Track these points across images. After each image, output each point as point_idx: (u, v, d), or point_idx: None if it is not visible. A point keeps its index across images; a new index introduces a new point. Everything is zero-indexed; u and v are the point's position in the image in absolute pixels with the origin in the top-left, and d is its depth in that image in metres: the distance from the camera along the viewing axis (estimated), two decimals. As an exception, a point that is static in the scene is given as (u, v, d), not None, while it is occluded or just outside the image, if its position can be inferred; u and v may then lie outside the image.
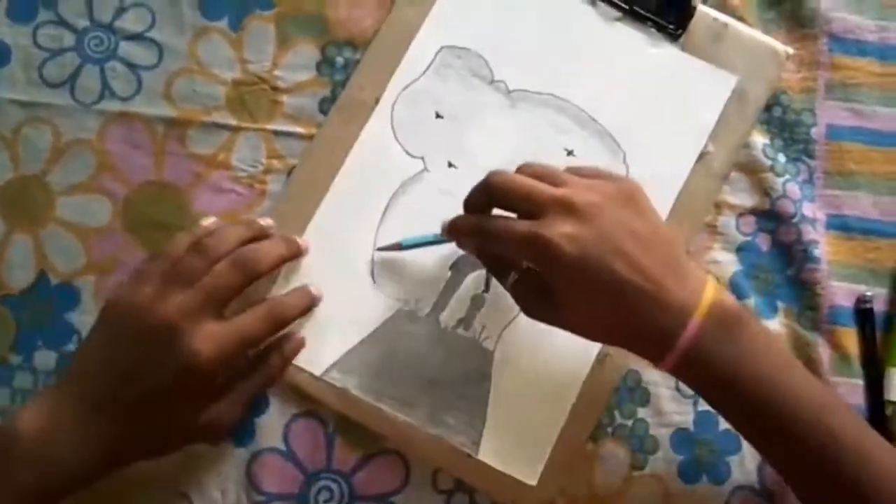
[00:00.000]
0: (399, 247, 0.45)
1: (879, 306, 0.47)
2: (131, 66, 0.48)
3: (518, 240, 0.37)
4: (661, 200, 0.46)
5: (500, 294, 0.44)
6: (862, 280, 0.47)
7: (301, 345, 0.44)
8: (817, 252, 0.46)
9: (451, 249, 0.44)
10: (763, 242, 0.47)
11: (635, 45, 0.48)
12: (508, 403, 0.44)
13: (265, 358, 0.43)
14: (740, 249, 0.47)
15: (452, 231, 0.41)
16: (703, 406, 0.45)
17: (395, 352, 0.45)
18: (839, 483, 0.36)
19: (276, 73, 0.48)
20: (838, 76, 0.49)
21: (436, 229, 0.43)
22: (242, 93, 0.47)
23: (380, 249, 0.45)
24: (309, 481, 0.44)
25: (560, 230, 0.36)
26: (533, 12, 0.48)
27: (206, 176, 0.47)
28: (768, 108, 0.48)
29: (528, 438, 0.44)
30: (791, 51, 0.48)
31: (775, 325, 0.46)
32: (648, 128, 0.47)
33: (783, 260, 0.47)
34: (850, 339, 0.46)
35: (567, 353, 0.45)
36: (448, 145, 0.47)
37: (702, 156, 0.47)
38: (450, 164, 0.47)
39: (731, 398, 0.37)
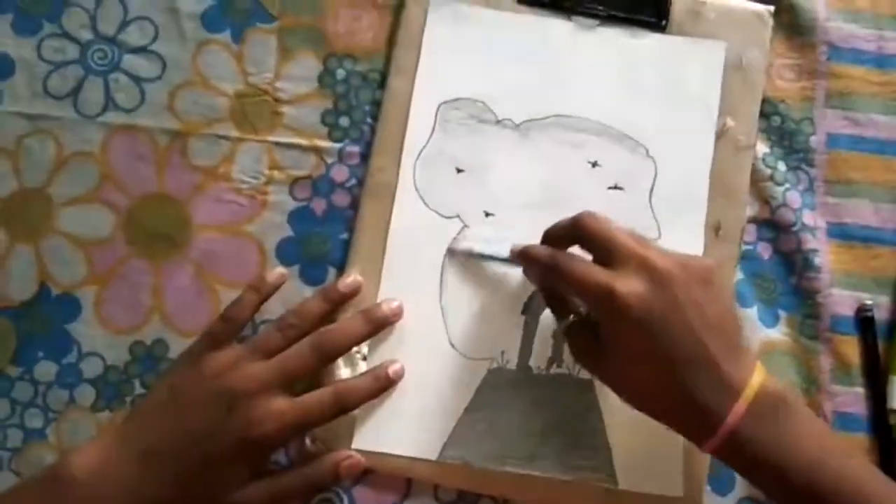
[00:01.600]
0: (470, 253, 0.45)
1: (882, 314, 0.47)
2: (135, 79, 0.48)
3: (590, 285, 0.37)
4: (697, 183, 0.46)
5: None
6: (864, 288, 0.47)
7: (359, 467, 0.43)
8: (818, 260, 0.46)
9: (515, 296, 0.45)
10: (764, 251, 0.47)
11: (620, 42, 0.48)
12: (624, 424, 0.44)
13: (317, 458, 0.43)
14: (741, 258, 0.47)
15: (525, 257, 0.41)
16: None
17: (501, 411, 0.44)
18: None
19: (278, 84, 0.48)
20: (837, 85, 0.49)
21: (497, 281, 0.44)
22: (244, 104, 0.48)
23: (451, 250, 0.45)
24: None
25: (632, 287, 0.36)
26: (512, 44, 0.48)
27: (207, 187, 0.47)
28: (767, 116, 0.48)
29: (657, 452, 0.43)
30: (772, 8, 0.48)
31: (777, 334, 0.46)
32: (658, 117, 0.47)
33: (784, 269, 0.47)
34: (852, 347, 0.46)
35: None
36: (478, 196, 0.47)
37: (724, 132, 0.47)
38: (486, 214, 0.46)
39: (776, 484, 0.36)
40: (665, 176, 0.47)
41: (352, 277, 0.45)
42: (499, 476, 0.43)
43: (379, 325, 0.44)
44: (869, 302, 0.46)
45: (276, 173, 0.47)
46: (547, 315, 0.45)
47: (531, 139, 0.47)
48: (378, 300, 0.45)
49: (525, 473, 0.43)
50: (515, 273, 0.45)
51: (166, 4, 0.49)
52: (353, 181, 0.47)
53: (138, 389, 0.45)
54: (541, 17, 0.48)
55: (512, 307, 0.45)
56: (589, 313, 0.40)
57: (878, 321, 0.46)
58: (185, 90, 0.48)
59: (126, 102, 0.48)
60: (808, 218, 0.47)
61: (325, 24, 0.49)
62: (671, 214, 0.46)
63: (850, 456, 0.36)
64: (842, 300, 0.47)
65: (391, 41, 0.49)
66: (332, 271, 0.46)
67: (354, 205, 0.47)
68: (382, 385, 0.43)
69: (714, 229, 0.46)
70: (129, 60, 0.48)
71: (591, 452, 0.43)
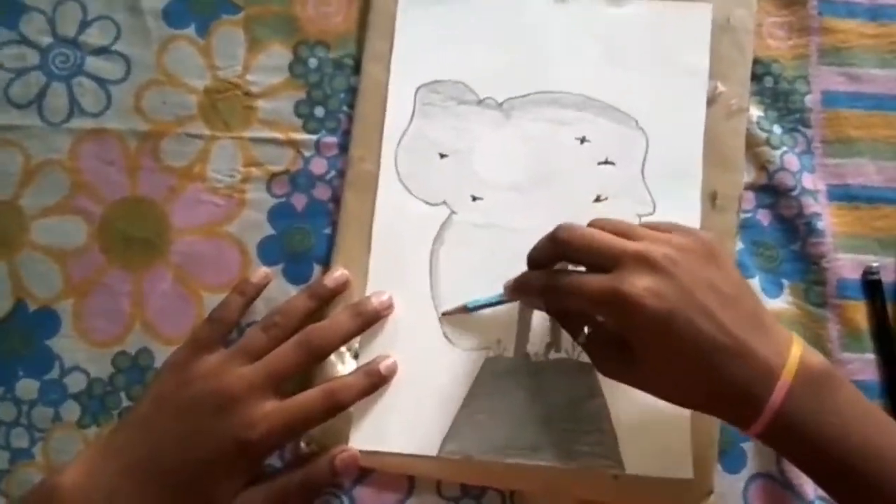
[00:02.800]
0: (465, 309, 0.43)
1: (889, 276, 0.45)
2: (99, 81, 0.46)
3: (594, 296, 0.35)
4: (691, 152, 0.45)
5: None
6: (870, 251, 0.45)
7: (354, 461, 0.41)
8: (821, 225, 0.45)
9: (509, 277, 0.42)
10: (764, 218, 0.46)
11: (598, 11, 0.47)
12: (629, 408, 0.42)
13: (313, 458, 0.41)
14: (741, 227, 0.45)
15: (519, 290, 0.40)
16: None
17: (500, 402, 0.43)
18: None
19: (248, 77, 0.46)
20: (830, 40, 0.47)
21: (489, 267, 0.42)
22: (215, 101, 0.46)
23: (445, 314, 0.43)
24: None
25: (637, 283, 0.34)
26: (489, 22, 0.46)
27: (182, 189, 0.45)
28: (759, 78, 0.47)
29: (665, 435, 0.42)
30: None
31: (782, 303, 0.45)
32: (647, 86, 0.46)
33: (786, 235, 0.45)
34: (861, 312, 0.44)
35: None
36: (464, 180, 0.45)
37: (715, 97, 0.45)
38: (474, 198, 0.45)
39: (825, 464, 0.34)
40: (657, 147, 0.45)
41: (339, 272, 0.43)
42: (502, 468, 0.42)
43: (369, 320, 0.42)
44: (875, 264, 0.45)
45: (252, 170, 0.46)
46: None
47: (515, 118, 0.46)
48: (367, 294, 0.43)
49: (529, 464, 0.42)
50: (508, 257, 0.43)
51: (127, 2, 0.47)
52: (333, 173, 0.46)
53: (125, 402, 0.44)
54: None
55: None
56: (602, 322, 0.38)
57: (886, 283, 0.45)
58: (152, 90, 0.46)
59: (92, 106, 0.46)
60: (807, 181, 0.45)
61: (293, 10, 0.47)
62: (665, 187, 0.45)
63: (894, 432, 0.35)
64: (847, 264, 0.45)
65: (362, 25, 0.47)
66: (316, 268, 0.45)
67: (336, 198, 0.45)
68: (375, 381, 0.42)
69: (710, 199, 0.45)
70: (92, 62, 0.47)
71: (596, 438, 0.42)
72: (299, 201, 0.45)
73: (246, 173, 0.46)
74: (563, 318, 0.40)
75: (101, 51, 0.47)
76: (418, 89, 0.46)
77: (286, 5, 0.47)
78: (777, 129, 0.46)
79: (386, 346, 0.43)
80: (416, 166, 0.45)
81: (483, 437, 0.42)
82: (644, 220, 0.44)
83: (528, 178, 0.45)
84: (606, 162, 0.45)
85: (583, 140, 0.45)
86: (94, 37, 0.47)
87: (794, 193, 0.45)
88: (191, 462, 0.38)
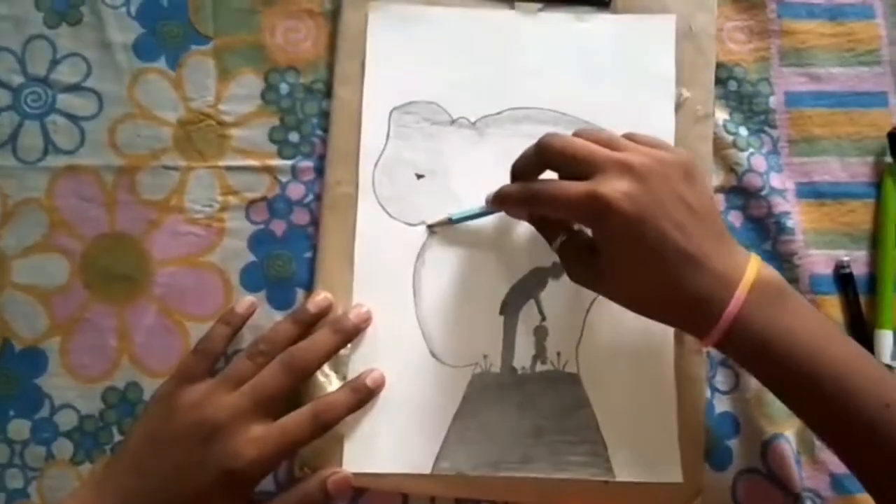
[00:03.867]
0: (449, 221, 0.44)
1: (860, 269, 0.46)
2: (72, 118, 0.46)
3: (574, 199, 0.37)
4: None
5: (560, 316, 0.44)
6: (840, 245, 0.46)
7: (347, 482, 0.41)
8: (791, 223, 0.46)
9: (492, 297, 0.44)
10: (735, 219, 0.46)
11: (566, 27, 0.47)
12: (617, 416, 0.43)
13: (305, 480, 0.42)
14: (713, 229, 0.46)
15: (500, 201, 0.41)
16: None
17: (490, 416, 0.43)
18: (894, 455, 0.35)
19: (221, 107, 0.47)
20: (790, 42, 0.48)
21: (471, 284, 0.43)
22: (189, 132, 0.46)
23: (430, 226, 0.44)
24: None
25: (615, 186, 0.36)
26: (458, 41, 0.47)
27: (161, 221, 0.46)
28: (723, 82, 0.47)
29: (653, 441, 0.43)
30: None
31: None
32: (616, 98, 0.46)
33: (758, 235, 0.46)
34: (835, 306, 0.45)
35: (646, 341, 0.44)
36: (441, 200, 0.45)
37: (681, 104, 0.46)
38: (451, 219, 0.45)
39: (778, 370, 0.36)
40: None
41: (321, 296, 0.44)
42: (495, 482, 0.42)
43: (348, 335, 0.43)
44: (846, 258, 0.46)
45: (230, 198, 0.46)
46: (526, 313, 0.44)
47: (489, 136, 0.46)
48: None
49: (521, 476, 0.42)
50: (490, 273, 0.44)
51: (96, 38, 0.47)
52: (311, 197, 0.46)
53: (117, 437, 0.44)
54: (483, 8, 0.47)
55: (489, 309, 0.44)
56: (579, 229, 0.40)
57: (857, 276, 0.46)
58: (126, 124, 0.46)
59: (66, 144, 0.46)
60: (775, 181, 0.46)
61: (262, 38, 0.47)
62: None
63: (848, 342, 0.37)
64: (818, 260, 0.46)
65: (332, 48, 0.47)
66: (299, 293, 0.45)
67: (315, 222, 0.46)
68: (362, 397, 0.42)
69: None
70: (65, 100, 0.47)
71: (586, 448, 0.43)
72: (278, 227, 0.46)
73: (224, 202, 0.46)
74: (541, 226, 0.41)
75: (73, 88, 0.47)
76: (392, 111, 0.46)
77: (255, 34, 0.47)
78: (743, 131, 0.47)
79: (373, 365, 0.43)
80: (394, 188, 0.45)
81: (475, 453, 0.42)
82: None
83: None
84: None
85: None
86: (64, 74, 0.47)
87: (763, 193, 0.46)
88: (182, 495, 0.38)
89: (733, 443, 0.44)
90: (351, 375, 0.43)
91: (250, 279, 0.45)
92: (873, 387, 0.35)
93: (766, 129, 0.47)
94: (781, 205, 0.46)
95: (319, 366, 0.42)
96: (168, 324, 0.45)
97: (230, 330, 0.43)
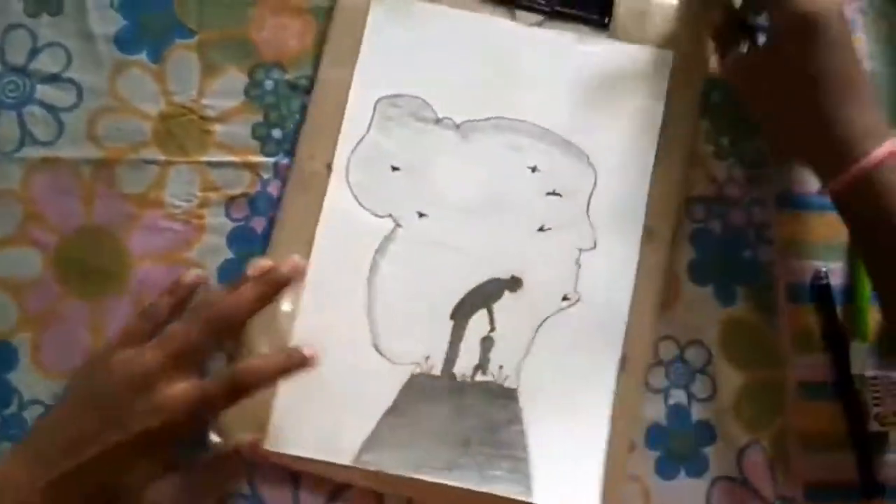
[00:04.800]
0: None
1: (837, 280, 0.46)
2: (50, 109, 0.46)
3: None
4: (636, 193, 0.45)
5: (510, 329, 0.44)
6: (817, 255, 0.47)
7: (262, 452, 0.41)
8: (769, 232, 0.46)
9: (446, 299, 0.44)
10: (715, 228, 0.47)
11: (565, 47, 0.47)
12: (546, 437, 0.43)
13: (230, 455, 0.41)
14: (693, 237, 0.46)
15: None
16: (674, 399, 0.45)
17: (421, 418, 0.43)
18: None
19: (204, 102, 0.46)
20: (772, 54, 0.49)
21: (428, 284, 0.43)
22: (170, 126, 0.46)
23: None
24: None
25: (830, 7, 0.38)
26: (456, 43, 0.47)
27: (139, 216, 0.45)
28: (706, 93, 0.48)
29: (578, 468, 0.43)
30: None
31: (735, 310, 0.46)
32: (602, 125, 0.46)
33: (737, 243, 0.46)
34: (812, 316, 0.46)
35: (590, 368, 0.44)
36: (413, 196, 0.45)
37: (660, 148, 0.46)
38: (420, 215, 0.45)
39: (888, 239, 0.38)
40: (604, 185, 0.46)
41: (263, 261, 0.41)
42: (414, 482, 0.42)
43: (276, 285, 0.40)
44: (823, 269, 0.46)
45: (210, 194, 0.45)
46: (477, 321, 0.44)
47: (471, 140, 0.46)
48: (302, 299, 0.43)
49: (441, 483, 0.42)
50: (448, 275, 0.44)
51: (77, 28, 0.46)
52: (293, 195, 0.46)
53: (87, 433, 0.43)
54: (486, 14, 0.47)
55: (440, 311, 0.44)
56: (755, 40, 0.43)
57: (834, 287, 0.46)
58: (106, 116, 0.46)
59: (44, 135, 0.45)
60: (755, 190, 0.47)
61: (248, 34, 0.47)
62: (609, 222, 0.45)
63: None
64: (796, 270, 0.46)
65: (318, 45, 0.47)
66: (278, 291, 0.45)
67: (296, 220, 0.45)
68: (292, 364, 0.39)
69: (647, 233, 0.45)
70: (43, 90, 0.46)
71: (511, 463, 0.43)
72: (259, 224, 0.45)
73: (204, 198, 0.45)
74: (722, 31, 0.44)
75: (52, 78, 0.46)
76: (378, 100, 0.46)
77: (241, 28, 0.47)
78: (724, 141, 0.47)
79: (315, 346, 0.41)
80: (368, 176, 0.45)
81: (400, 451, 0.42)
82: (584, 253, 0.45)
83: (477, 200, 0.45)
84: (554, 193, 0.46)
85: (534, 169, 0.46)
86: (44, 64, 0.46)
87: (744, 203, 0.46)
88: (103, 452, 0.37)
89: (709, 450, 0.44)
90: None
91: (229, 276, 0.45)
92: None
93: (747, 139, 0.48)
94: (760, 214, 0.46)
95: (243, 319, 0.40)
96: (143, 320, 0.44)
97: (174, 299, 0.42)
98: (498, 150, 0.46)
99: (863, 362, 0.45)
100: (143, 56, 0.46)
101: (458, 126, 0.46)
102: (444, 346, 0.44)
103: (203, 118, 0.46)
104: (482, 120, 0.46)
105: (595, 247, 0.45)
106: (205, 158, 0.46)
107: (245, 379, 0.39)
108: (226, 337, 0.41)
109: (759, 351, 0.46)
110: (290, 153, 0.46)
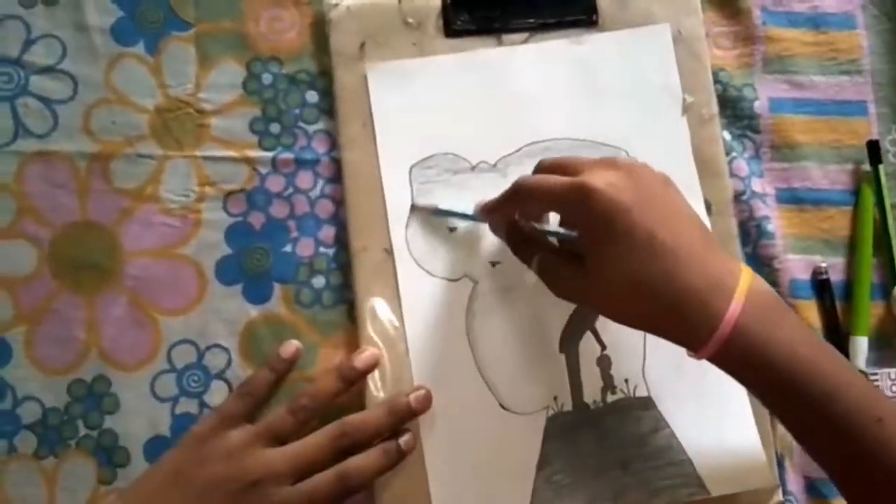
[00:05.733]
0: (436, 210, 0.43)
1: (838, 276, 0.46)
2: (45, 102, 0.45)
3: (559, 189, 0.36)
4: (683, 168, 0.45)
5: (619, 341, 0.43)
6: (818, 251, 0.47)
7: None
8: (770, 227, 0.46)
9: (548, 336, 0.43)
10: (716, 223, 0.47)
11: (562, 52, 0.46)
12: (697, 431, 0.42)
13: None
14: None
15: (487, 209, 0.41)
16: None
17: (573, 458, 0.42)
18: (889, 474, 0.34)
19: (201, 95, 0.46)
20: (774, 48, 0.48)
21: (525, 327, 0.43)
22: (166, 119, 0.45)
23: (414, 206, 0.44)
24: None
25: (603, 178, 0.35)
26: (460, 87, 0.46)
27: (135, 211, 0.44)
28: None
29: (737, 448, 0.42)
30: None
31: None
32: (627, 115, 0.46)
33: (739, 238, 0.46)
34: (812, 311, 0.46)
35: None
36: (478, 249, 0.44)
37: (686, 108, 0.46)
38: (493, 264, 0.44)
39: (774, 384, 0.35)
40: None
41: (368, 352, 0.42)
42: None
43: (403, 418, 0.41)
44: (823, 264, 0.46)
45: (207, 189, 0.45)
46: (585, 345, 0.43)
47: (510, 174, 0.45)
48: (414, 383, 0.42)
49: None
50: (541, 312, 0.43)
51: (73, 19, 0.46)
52: (291, 190, 0.45)
53: (83, 431, 0.43)
54: (475, 49, 0.46)
55: (548, 349, 0.43)
56: (558, 245, 0.39)
57: (834, 282, 0.46)
58: (101, 109, 0.45)
59: (38, 128, 0.45)
60: (756, 185, 0.47)
61: (245, 26, 0.46)
62: None
63: (837, 356, 0.36)
64: (797, 265, 0.46)
65: (317, 38, 0.46)
66: (276, 287, 0.44)
67: (294, 215, 0.45)
68: (392, 459, 0.40)
69: (706, 208, 0.45)
70: (38, 82, 0.45)
71: (674, 470, 0.42)
72: (257, 220, 0.45)
73: (201, 193, 0.45)
74: (517, 248, 0.41)
75: (47, 70, 0.45)
76: (411, 169, 0.45)
77: (238, 22, 0.46)
78: (726, 135, 0.47)
79: (446, 427, 0.42)
80: (429, 247, 0.44)
81: (566, 497, 0.42)
82: None
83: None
84: None
85: None
86: (38, 56, 0.45)
87: (745, 197, 0.46)
88: None
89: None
90: (424, 433, 0.42)
91: (226, 272, 0.44)
92: (865, 402, 0.34)
93: (750, 133, 0.48)
94: (762, 209, 0.46)
95: (368, 443, 0.40)
96: (139, 317, 0.43)
97: (274, 376, 0.42)
98: None
99: (862, 357, 0.45)
100: (139, 48, 0.46)
101: (494, 166, 0.45)
102: (566, 381, 0.43)
103: (200, 112, 0.45)
104: (515, 152, 0.45)
105: None
106: (202, 153, 0.45)
107: (353, 478, 0.39)
108: (348, 455, 0.40)
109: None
110: (290, 147, 0.46)
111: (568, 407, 0.43)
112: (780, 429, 0.43)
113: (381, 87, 0.45)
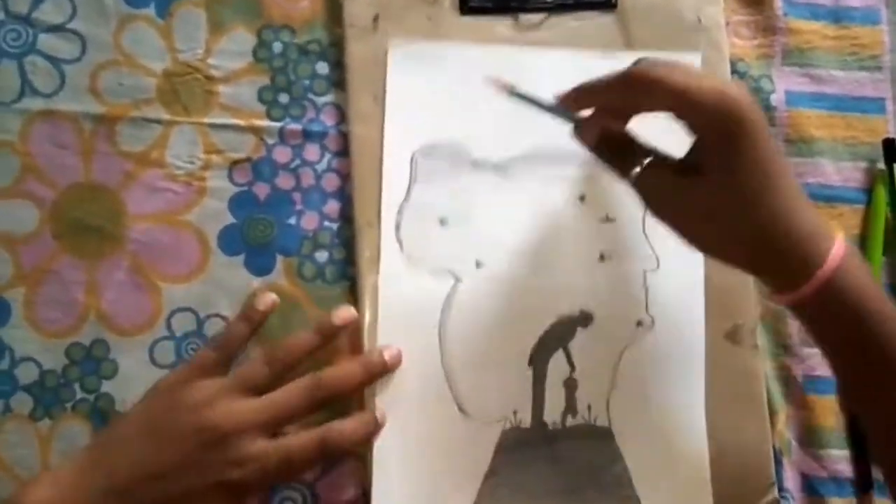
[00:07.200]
0: (512, 91, 0.39)
1: (845, 274, 0.46)
2: (53, 61, 0.44)
3: (696, 88, 0.32)
4: None
5: (590, 366, 0.43)
6: (827, 249, 0.46)
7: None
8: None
9: (520, 348, 0.42)
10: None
11: (592, 63, 0.43)
12: (650, 469, 0.42)
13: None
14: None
15: (578, 99, 0.37)
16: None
17: (522, 474, 0.41)
18: None
19: (210, 61, 0.45)
20: (794, 41, 0.48)
21: (498, 335, 0.42)
22: (174, 84, 0.45)
23: (513, 91, 0.39)
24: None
25: (744, 93, 0.33)
26: (477, 83, 0.43)
27: (139, 175, 0.44)
28: (726, 76, 0.47)
29: (686, 496, 0.42)
30: None
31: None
32: (644, 135, 0.43)
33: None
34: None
35: (678, 390, 0.42)
36: (466, 246, 0.43)
37: None
38: (478, 264, 0.43)
39: (858, 338, 0.34)
40: None
41: (346, 309, 0.42)
42: None
43: (376, 373, 0.41)
44: (832, 262, 0.46)
45: (213, 157, 0.44)
46: (555, 364, 0.43)
47: (512, 178, 0.44)
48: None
49: None
50: (517, 323, 0.43)
51: (83, -22, 0.45)
52: (298, 161, 0.45)
53: (79, 394, 0.42)
54: (504, 45, 0.45)
55: (517, 361, 0.43)
56: (663, 157, 0.36)
57: (842, 281, 0.46)
58: (109, 71, 0.44)
59: (44, 87, 0.44)
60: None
61: (258, -7, 0.46)
62: (668, 239, 0.39)
63: None
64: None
65: (329, 10, 0.46)
66: (279, 259, 0.44)
67: (300, 187, 0.44)
68: (370, 430, 0.40)
69: None
70: (46, 41, 0.44)
71: None
72: (262, 190, 0.44)
73: (206, 160, 0.44)
74: (612, 156, 0.38)
75: (56, 29, 0.45)
76: (414, 155, 0.44)
77: (250, -13, 0.46)
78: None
79: (402, 421, 0.41)
80: (418, 237, 0.43)
81: None
82: (649, 275, 0.43)
83: (531, 240, 0.43)
84: (607, 219, 0.44)
85: (583, 198, 0.44)
86: (47, 14, 0.45)
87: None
88: (170, 492, 0.37)
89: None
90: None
91: (229, 242, 0.44)
92: None
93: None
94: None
95: (342, 397, 0.40)
96: (140, 281, 0.43)
97: (249, 327, 0.42)
98: (541, 184, 0.44)
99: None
100: (150, 10, 0.45)
101: (497, 165, 0.44)
102: (529, 397, 0.42)
103: (208, 78, 0.45)
104: (520, 155, 0.44)
105: (659, 266, 0.43)
106: (208, 120, 0.45)
107: (334, 442, 0.39)
108: (321, 408, 0.40)
109: (767, 342, 0.45)
110: (298, 118, 0.45)
111: (526, 423, 0.42)
112: (779, 425, 0.43)
113: (399, 65, 0.44)
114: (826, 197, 0.46)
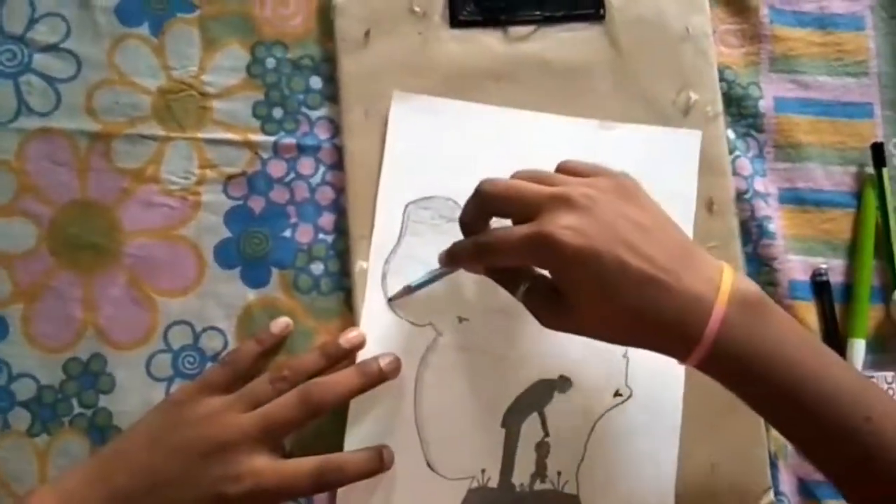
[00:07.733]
0: (409, 290, 0.42)
1: (838, 278, 0.46)
2: (48, 80, 0.45)
3: (518, 243, 0.35)
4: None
5: (564, 432, 0.42)
6: (818, 252, 0.46)
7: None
8: (772, 227, 0.46)
9: (494, 408, 0.42)
10: (717, 222, 0.46)
11: (592, 134, 0.45)
12: None
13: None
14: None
15: (453, 259, 0.40)
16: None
17: None
18: (883, 472, 0.34)
19: (204, 78, 0.45)
20: (780, 48, 0.48)
21: (475, 392, 0.42)
22: (169, 101, 0.45)
23: (391, 299, 0.42)
24: None
25: (559, 222, 0.34)
26: (480, 137, 0.45)
27: (135, 191, 0.44)
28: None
29: None
30: None
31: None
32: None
33: (740, 237, 0.46)
34: (811, 312, 0.46)
35: (650, 464, 0.42)
36: (450, 302, 0.43)
37: (690, 107, 0.45)
38: (460, 320, 0.43)
39: (763, 388, 0.34)
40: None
41: (355, 332, 0.42)
42: None
43: (372, 381, 0.41)
44: (823, 266, 0.46)
45: (207, 172, 0.45)
46: (529, 426, 0.43)
47: None
48: (350, 419, 0.42)
49: None
50: (495, 382, 0.43)
51: (77, -2, 0.46)
52: (292, 175, 0.45)
53: (77, 409, 0.43)
54: (504, 107, 0.45)
55: (490, 420, 0.42)
56: (539, 276, 0.38)
57: (834, 284, 0.46)
58: (104, 89, 0.45)
59: (40, 105, 0.45)
60: (759, 185, 0.46)
61: (250, 10, 0.46)
62: None
63: (827, 353, 0.35)
64: (797, 266, 0.46)
65: (321, 26, 0.46)
66: (274, 272, 0.44)
67: (294, 200, 0.45)
68: (374, 466, 0.40)
69: (707, 206, 0.45)
70: (41, 60, 0.45)
71: None
72: (257, 204, 0.45)
73: (201, 175, 0.45)
74: (501, 277, 0.39)
75: (50, 48, 0.45)
76: (407, 206, 0.44)
77: (243, 5, 0.46)
78: (731, 134, 0.47)
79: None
80: (404, 285, 0.43)
81: None
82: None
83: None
84: None
85: None
86: (42, 34, 0.45)
87: (747, 197, 0.46)
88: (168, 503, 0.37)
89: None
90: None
91: (225, 255, 0.44)
92: (854, 399, 0.34)
93: (753, 132, 0.47)
94: (764, 209, 0.46)
95: (337, 405, 0.40)
96: (137, 296, 0.43)
97: (260, 349, 0.42)
98: None
99: (859, 360, 0.45)
100: (143, 29, 0.46)
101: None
102: (499, 457, 0.42)
103: (203, 94, 0.45)
104: None
105: None
106: (203, 135, 0.45)
107: (331, 476, 0.39)
108: (316, 417, 0.40)
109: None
110: (292, 132, 0.45)
111: (493, 483, 0.42)
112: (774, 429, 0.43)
113: (401, 116, 0.45)
114: (816, 202, 0.47)
